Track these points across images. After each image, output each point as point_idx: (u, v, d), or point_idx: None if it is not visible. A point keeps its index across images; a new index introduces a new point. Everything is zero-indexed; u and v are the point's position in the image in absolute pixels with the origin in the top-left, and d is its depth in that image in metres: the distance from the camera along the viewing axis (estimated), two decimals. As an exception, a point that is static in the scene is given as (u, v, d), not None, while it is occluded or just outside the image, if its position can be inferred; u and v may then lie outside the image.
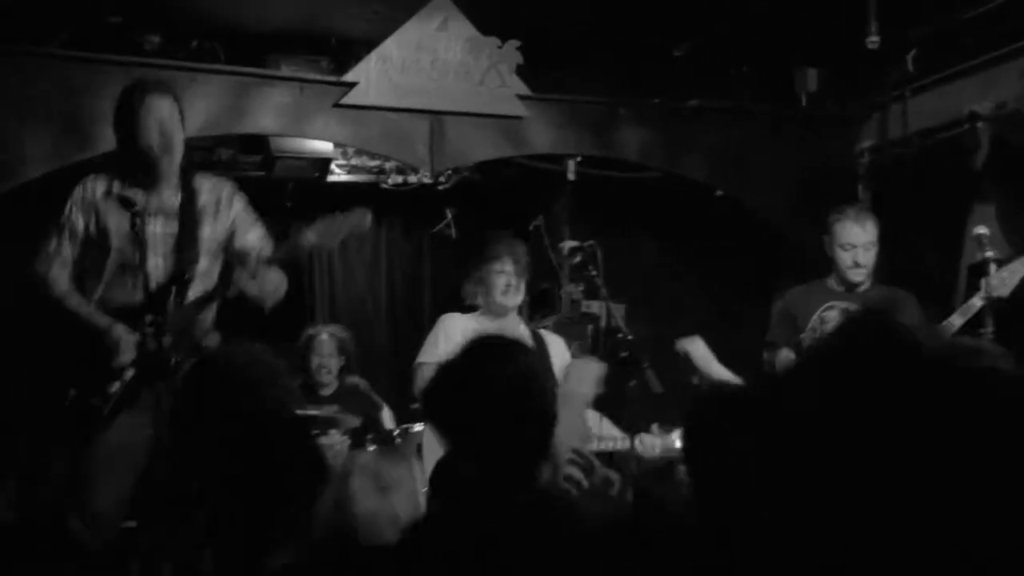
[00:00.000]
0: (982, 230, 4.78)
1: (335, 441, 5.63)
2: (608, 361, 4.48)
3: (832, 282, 4.91)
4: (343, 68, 5.43)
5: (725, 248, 6.75)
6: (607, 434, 4.55)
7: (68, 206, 4.00)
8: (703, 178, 6.20)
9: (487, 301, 4.73)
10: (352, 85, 5.35)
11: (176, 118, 4.01)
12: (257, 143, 6.28)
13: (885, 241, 5.65)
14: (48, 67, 4.96)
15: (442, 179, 6.82)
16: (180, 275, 3.95)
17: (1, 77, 4.85)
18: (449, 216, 7.13)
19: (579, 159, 6.40)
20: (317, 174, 6.63)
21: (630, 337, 4.61)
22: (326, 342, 5.90)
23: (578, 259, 5.23)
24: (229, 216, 4.18)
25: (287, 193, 6.88)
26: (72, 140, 4.96)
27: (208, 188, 4.17)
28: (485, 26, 5.49)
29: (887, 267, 5.95)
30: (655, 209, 6.91)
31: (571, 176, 6.45)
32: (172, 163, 4.01)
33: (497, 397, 2.38)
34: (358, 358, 6.12)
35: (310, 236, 3.97)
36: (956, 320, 4.60)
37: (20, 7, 4.85)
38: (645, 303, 6.85)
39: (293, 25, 5.46)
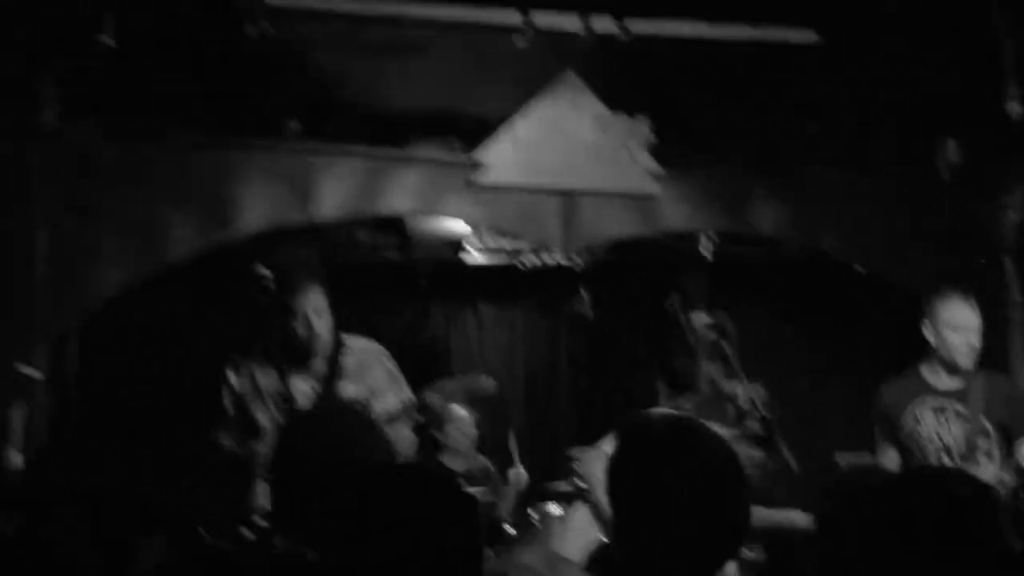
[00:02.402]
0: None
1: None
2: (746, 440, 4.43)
3: (926, 371, 4.73)
4: (475, 148, 5.49)
5: (867, 327, 6.59)
6: None
7: (227, 371, 4.42)
8: (842, 254, 6.06)
9: None
10: (484, 164, 5.40)
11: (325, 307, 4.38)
12: (393, 225, 6.40)
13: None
14: (193, 151, 5.13)
15: (576, 259, 6.83)
16: None
17: (150, 162, 5.03)
18: (585, 296, 7.11)
19: (714, 236, 6.34)
20: (453, 255, 6.71)
21: (767, 416, 4.52)
22: (465, 419, 5.87)
23: (711, 335, 5.15)
24: (372, 378, 4.45)
25: (423, 274, 6.97)
26: (216, 222, 5.11)
27: (357, 350, 4.46)
28: (614, 102, 5.51)
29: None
30: (793, 287, 6.79)
31: (706, 253, 6.39)
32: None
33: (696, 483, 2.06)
34: (494, 437, 6.11)
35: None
36: None
37: (165, 94, 5.06)
38: (784, 385, 6.71)
39: (427, 107, 5.57)
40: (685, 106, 5.59)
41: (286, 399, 4.32)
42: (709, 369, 6.49)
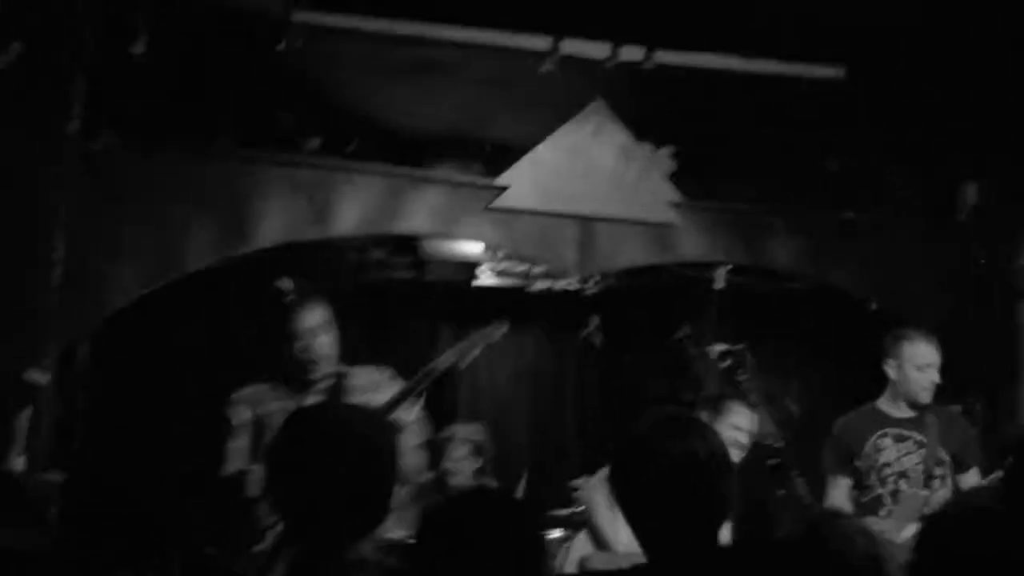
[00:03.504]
0: None
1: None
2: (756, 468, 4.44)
3: (884, 405, 5.00)
4: (496, 172, 5.49)
5: (875, 361, 6.59)
6: None
7: (232, 405, 4.45)
8: (856, 290, 6.06)
9: None
10: (504, 188, 5.40)
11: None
12: (408, 245, 6.39)
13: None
14: (213, 163, 5.12)
15: (588, 284, 6.82)
16: None
17: (171, 173, 5.02)
18: (595, 322, 7.09)
19: (729, 267, 6.33)
20: (466, 277, 6.70)
21: (780, 444, 4.55)
22: (459, 446, 5.86)
23: (728, 363, 5.19)
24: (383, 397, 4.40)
25: (436, 296, 6.96)
26: (233, 235, 5.10)
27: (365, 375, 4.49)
28: (637, 130, 5.51)
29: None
30: (806, 322, 6.79)
31: (720, 285, 6.38)
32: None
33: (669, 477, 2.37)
34: (498, 461, 6.06)
35: (442, 361, 4.27)
36: None
37: (188, 107, 5.06)
38: (793, 420, 6.70)
39: (448, 129, 5.58)
40: (707, 137, 5.59)
41: None
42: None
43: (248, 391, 4.46)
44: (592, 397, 7.48)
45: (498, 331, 4.62)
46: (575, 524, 5.74)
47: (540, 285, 6.87)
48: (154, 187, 4.98)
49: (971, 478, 4.79)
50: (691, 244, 5.76)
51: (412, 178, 5.42)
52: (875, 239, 5.97)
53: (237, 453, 4.36)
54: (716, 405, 4.98)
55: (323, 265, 6.03)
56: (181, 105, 5.08)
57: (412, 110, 5.46)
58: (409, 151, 5.54)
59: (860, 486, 4.89)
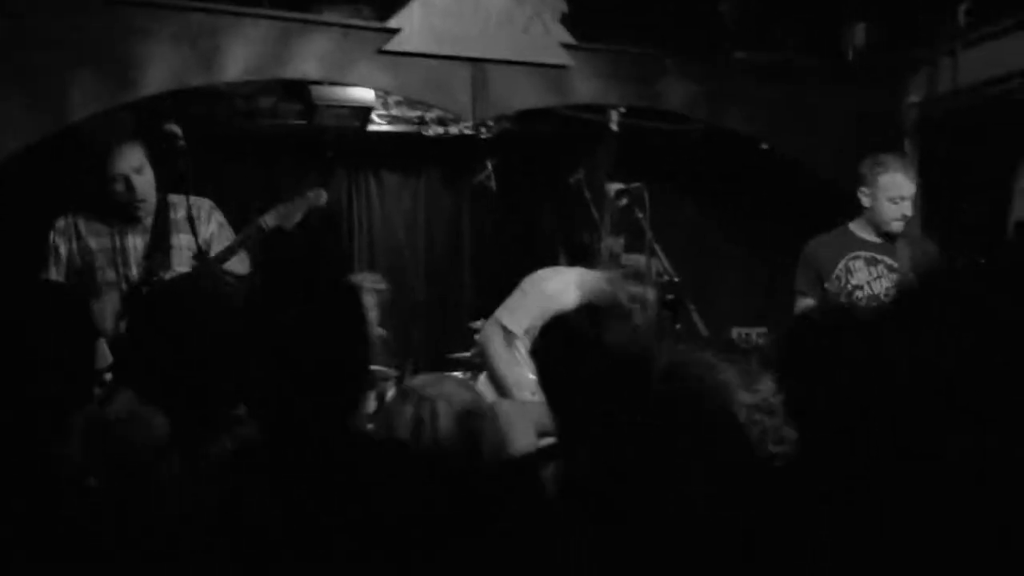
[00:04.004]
0: (1029, 184, 4.75)
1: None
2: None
3: (859, 230, 4.88)
4: (386, 15, 5.39)
5: (770, 203, 6.71)
6: None
7: (51, 235, 4.47)
8: (748, 131, 6.13)
9: None
10: (395, 31, 5.31)
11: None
12: (298, 92, 6.27)
13: (932, 195, 5.59)
14: (96, 8, 4.93)
15: (483, 129, 6.79)
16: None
17: (50, 17, 4.82)
18: (489, 167, 7.07)
19: (623, 110, 6.34)
20: (358, 124, 6.61)
21: (676, 279, 4.59)
22: (365, 296, 5.85)
23: (624, 202, 5.21)
24: (207, 231, 4.55)
25: (328, 143, 6.87)
26: (118, 82, 4.95)
27: (183, 205, 4.50)
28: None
29: (934, 220, 5.93)
30: (699, 163, 6.87)
31: (614, 127, 6.39)
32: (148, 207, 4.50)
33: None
34: (395, 307, 6.09)
35: (268, 219, 4.57)
36: None
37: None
38: (686, 258, 6.82)
39: (337, -28, 5.43)
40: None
41: (121, 256, 4.41)
42: (612, 243, 6.57)
43: (63, 223, 4.50)
44: (488, 241, 7.52)
45: (320, 198, 4.74)
46: (474, 366, 5.84)
47: (434, 129, 6.81)
48: (34, 35, 4.79)
49: None
50: (584, 86, 5.77)
51: (300, 22, 5.29)
52: (765, 80, 6.03)
53: None
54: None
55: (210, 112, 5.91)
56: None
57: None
58: (296, -5, 5.39)
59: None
